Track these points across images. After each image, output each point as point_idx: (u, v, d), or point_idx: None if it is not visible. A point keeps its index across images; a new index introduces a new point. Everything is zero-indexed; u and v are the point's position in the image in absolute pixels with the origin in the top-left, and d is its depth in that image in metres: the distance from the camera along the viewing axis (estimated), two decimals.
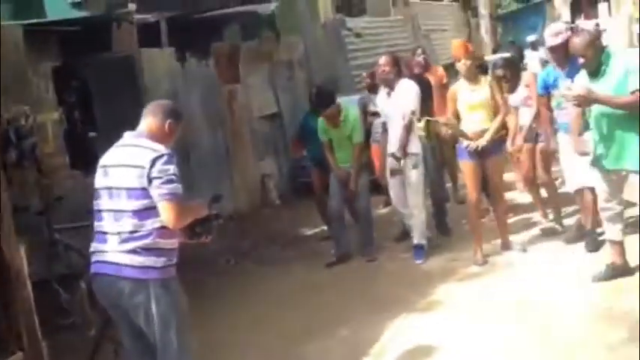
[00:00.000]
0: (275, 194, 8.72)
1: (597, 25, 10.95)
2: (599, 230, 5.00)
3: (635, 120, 4.11)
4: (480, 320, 4.28)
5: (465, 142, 5.21)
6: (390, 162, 5.59)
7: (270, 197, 8.70)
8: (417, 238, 5.65)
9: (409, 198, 5.58)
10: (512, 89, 5.79)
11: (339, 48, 11.73)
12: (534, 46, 9.87)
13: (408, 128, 5.41)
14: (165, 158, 2.92)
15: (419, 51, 7.06)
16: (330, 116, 5.77)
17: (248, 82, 8.75)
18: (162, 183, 2.88)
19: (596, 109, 4.24)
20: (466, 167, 5.31)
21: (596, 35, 4.31)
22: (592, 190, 4.79)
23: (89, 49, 6.50)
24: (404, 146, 5.41)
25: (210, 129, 7.74)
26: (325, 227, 6.51)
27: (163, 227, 2.94)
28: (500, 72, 5.80)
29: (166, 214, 2.89)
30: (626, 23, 25.29)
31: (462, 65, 5.23)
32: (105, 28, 6.63)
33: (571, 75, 4.80)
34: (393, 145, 5.53)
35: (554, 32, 4.96)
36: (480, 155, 5.18)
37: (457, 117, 5.28)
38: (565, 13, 30.35)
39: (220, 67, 8.18)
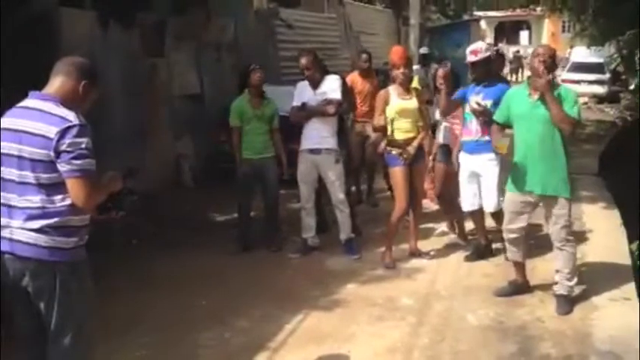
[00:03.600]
0: (189, 176, 8.49)
1: (517, 51, 11.36)
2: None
3: (564, 149, 4.22)
4: (378, 322, 4.33)
5: (394, 150, 5.24)
6: (307, 157, 5.53)
7: (184, 179, 8.46)
8: (345, 234, 5.62)
9: (333, 194, 5.55)
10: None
11: (270, 37, 11.60)
12: (426, 59, 9.74)
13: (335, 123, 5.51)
14: (76, 129, 2.56)
15: (364, 56, 7.19)
16: (255, 86, 5.68)
17: (172, 58, 8.46)
18: (73, 158, 2.54)
19: (529, 132, 4.26)
20: (398, 174, 5.27)
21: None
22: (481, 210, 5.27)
23: (5, 1, 6.03)
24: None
25: (126, 102, 7.39)
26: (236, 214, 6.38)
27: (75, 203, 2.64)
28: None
29: (76, 193, 2.58)
30: None
31: (400, 74, 5.22)
32: None
33: (489, 93, 4.94)
34: (309, 140, 5.49)
35: (473, 49, 5.08)
36: (409, 162, 5.24)
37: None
38: (489, 34, 31.64)
39: (145, 38, 7.86)
